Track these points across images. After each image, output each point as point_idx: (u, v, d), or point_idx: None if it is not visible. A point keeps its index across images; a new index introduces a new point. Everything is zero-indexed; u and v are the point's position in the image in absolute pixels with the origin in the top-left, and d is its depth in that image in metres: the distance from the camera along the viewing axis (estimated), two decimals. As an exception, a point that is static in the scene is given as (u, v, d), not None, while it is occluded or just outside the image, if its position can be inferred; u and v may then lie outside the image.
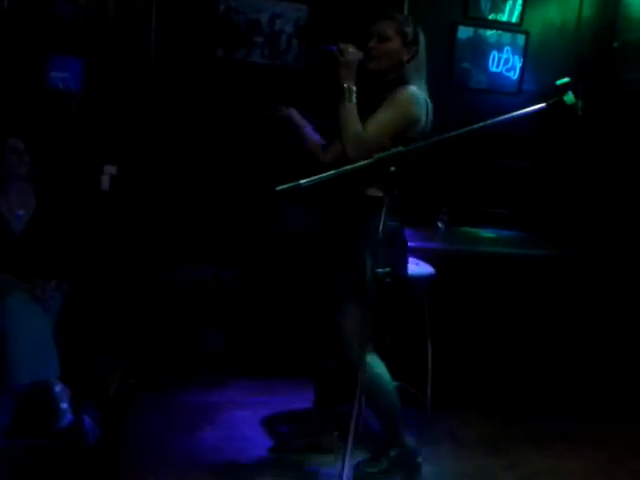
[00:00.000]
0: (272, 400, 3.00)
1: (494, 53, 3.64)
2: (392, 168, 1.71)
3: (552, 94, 2.01)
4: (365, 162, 1.71)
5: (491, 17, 3.63)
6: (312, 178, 1.64)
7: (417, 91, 2.19)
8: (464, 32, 3.54)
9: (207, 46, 3.16)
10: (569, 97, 1.81)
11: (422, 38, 2.29)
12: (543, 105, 1.85)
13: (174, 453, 2.47)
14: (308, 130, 2.53)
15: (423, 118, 2.20)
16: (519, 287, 3.14)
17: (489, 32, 3.62)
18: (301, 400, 2.99)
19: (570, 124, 3.68)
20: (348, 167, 1.71)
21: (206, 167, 3.23)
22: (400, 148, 1.70)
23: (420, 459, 2.49)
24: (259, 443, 2.61)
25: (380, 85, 2.25)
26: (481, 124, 2.03)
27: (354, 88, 2.18)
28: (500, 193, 3.72)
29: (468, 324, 2.98)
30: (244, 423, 2.77)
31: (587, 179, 3.81)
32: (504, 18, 3.66)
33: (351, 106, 2.16)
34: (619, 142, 3.67)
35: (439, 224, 3.30)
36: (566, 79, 1.90)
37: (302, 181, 1.63)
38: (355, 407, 1.86)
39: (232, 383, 3.12)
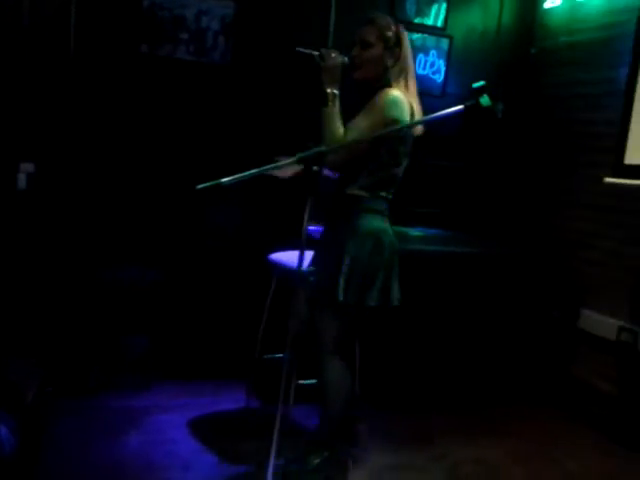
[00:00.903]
0: (199, 402, 2.96)
1: (420, 56, 3.72)
2: (315, 167, 1.72)
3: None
4: (289, 161, 1.70)
5: (417, 21, 3.71)
6: (233, 177, 1.62)
7: (397, 94, 2.18)
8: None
9: (130, 41, 3.07)
10: (485, 99, 1.86)
11: (405, 39, 2.29)
12: (460, 107, 1.90)
13: (97, 461, 2.39)
14: None
15: (405, 119, 2.18)
16: (445, 284, 3.22)
17: (415, 35, 3.69)
18: (228, 401, 2.98)
19: (494, 126, 3.83)
20: (268, 166, 1.70)
21: (129, 164, 3.14)
22: (322, 147, 1.71)
23: (350, 461, 2.51)
24: (187, 446, 2.56)
25: (369, 93, 2.24)
26: (403, 125, 2.10)
27: (337, 93, 2.19)
28: (427, 193, 3.81)
29: (394, 323, 3.02)
30: (171, 427, 2.72)
31: (510, 178, 3.96)
32: (430, 22, 3.75)
33: (333, 111, 2.17)
34: (538, 143, 3.84)
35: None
36: (482, 82, 1.95)
37: (223, 180, 1.61)
38: (280, 407, 1.86)
39: (158, 387, 3.06)
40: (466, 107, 1.88)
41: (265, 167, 1.71)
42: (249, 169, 1.72)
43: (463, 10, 3.81)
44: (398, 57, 2.25)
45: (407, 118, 2.19)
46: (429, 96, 3.73)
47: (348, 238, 2.21)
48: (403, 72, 2.26)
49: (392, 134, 2.15)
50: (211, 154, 3.24)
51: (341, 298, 2.16)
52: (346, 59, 2.22)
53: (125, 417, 2.74)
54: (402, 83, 2.25)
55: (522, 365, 3.53)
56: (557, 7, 3.78)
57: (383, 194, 2.28)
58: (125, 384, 2.99)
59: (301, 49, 2.19)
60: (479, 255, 3.37)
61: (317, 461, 2.41)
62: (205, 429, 2.72)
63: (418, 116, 2.26)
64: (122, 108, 3.11)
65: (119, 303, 3.02)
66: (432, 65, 3.77)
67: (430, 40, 3.73)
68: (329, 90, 2.18)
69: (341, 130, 2.16)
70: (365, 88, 2.27)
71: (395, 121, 2.15)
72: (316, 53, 2.19)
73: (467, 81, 3.72)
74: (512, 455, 2.80)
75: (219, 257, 3.32)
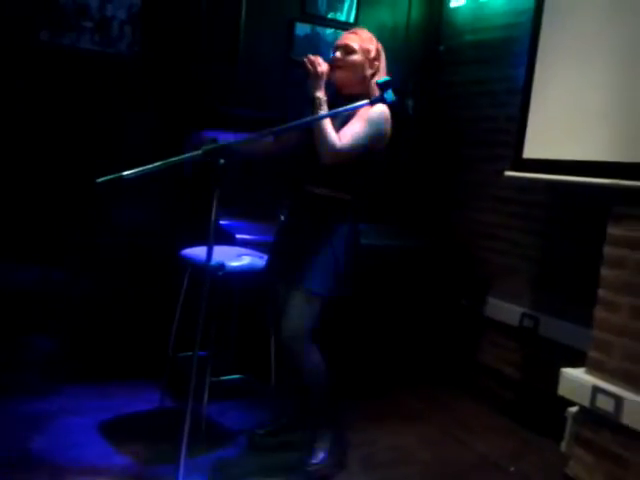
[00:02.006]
0: (111, 404, 2.86)
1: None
2: (221, 161, 1.71)
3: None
4: (194, 153, 1.68)
5: (330, 16, 3.75)
6: (135, 170, 1.58)
7: (385, 108, 2.28)
8: (302, 29, 3.61)
9: (29, 28, 2.92)
10: (389, 95, 1.92)
11: (383, 57, 2.42)
12: (366, 102, 1.95)
13: (-5, 470, 2.27)
14: None
15: (389, 134, 2.33)
16: (358, 275, 3.28)
17: (328, 31, 3.72)
18: (142, 402, 2.91)
19: (405, 122, 3.92)
20: (173, 159, 1.67)
21: (28, 158, 2.99)
22: (230, 140, 1.70)
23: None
24: (96, 450, 2.48)
25: (345, 97, 2.32)
26: (307, 119, 2.12)
27: (324, 98, 2.26)
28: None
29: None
30: (79, 430, 2.61)
31: (421, 173, 4.07)
32: (342, 18, 3.79)
33: (323, 114, 2.22)
34: (446, 139, 3.98)
35: (282, 217, 3.35)
36: (387, 78, 2.02)
37: (125, 173, 1.57)
38: (189, 403, 1.83)
39: (67, 389, 2.93)
40: (371, 102, 1.92)
41: (169, 160, 1.68)
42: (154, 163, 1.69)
43: (374, 6, 3.88)
44: (377, 70, 2.37)
45: (389, 132, 2.33)
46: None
47: (332, 237, 2.34)
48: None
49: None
50: (116, 148, 3.13)
51: (326, 293, 2.33)
52: (327, 66, 2.31)
53: (29, 422, 2.60)
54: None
55: (433, 352, 3.66)
56: (462, 6, 3.92)
57: (363, 197, 2.44)
58: (29, 387, 2.85)
59: (294, 57, 2.30)
60: (392, 247, 3.46)
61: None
62: (116, 431, 2.64)
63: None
64: (20, 98, 2.95)
65: (20, 304, 2.88)
66: (345, 60, 3.81)
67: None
68: (318, 95, 2.26)
69: (334, 135, 2.22)
70: (341, 91, 2.37)
71: (384, 135, 2.31)
72: (305, 60, 2.28)
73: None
74: (424, 440, 2.89)
75: (129, 254, 3.22)
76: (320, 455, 2.47)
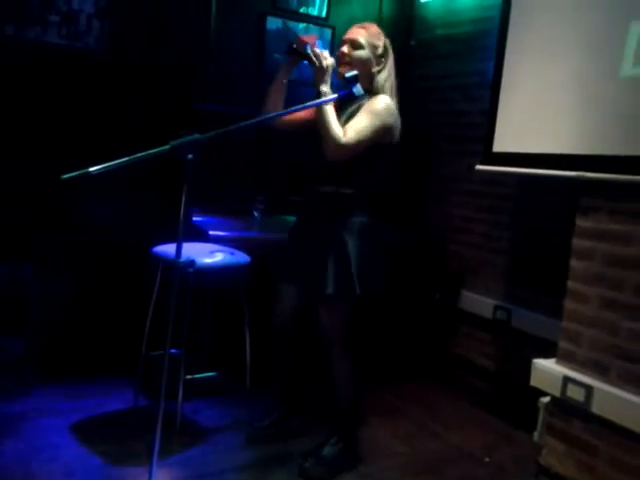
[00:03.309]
0: (84, 405, 2.83)
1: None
2: (189, 156, 1.69)
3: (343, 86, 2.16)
4: (160, 149, 1.66)
5: (302, 10, 3.73)
6: (102, 166, 1.56)
7: (391, 101, 2.30)
8: (273, 23, 3.59)
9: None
10: (357, 88, 1.92)
11: (391, 53, 2.41)
12: (334, 96, 1.95)
13: (-34, 475, 2.23)
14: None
15: (397, 127, 2.33)
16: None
17: (300, 25, 3.71)
18: (116, 402, 2.88)
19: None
20: (140, 154, 1.64)
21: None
22: (196, 135, 1.68)
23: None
24: (70, 451, 2.44)
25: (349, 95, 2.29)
26: (272, 115, 2.12)
27: (330, 92, 2.24)
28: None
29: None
30: (52, 432, 2.58)
31: (398, 168, 4.06)
32: (314, 12, 3.78)
33: (329, 109, 2.21)
34: (420, 133, 3.98)
35: (255, 213, 3.33)
36: (355, 72, 2.02)
37: (91, 169, 1.54)
38: (161, 401, 1.81)
39: (39, 391, 2.89)
40: (339, 96, 1.92)
41: (137, 155, 1.65)
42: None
43: (345, 1, 3.87)
44: (384, 67, 2.36)
45: (398, 126, 2.33)
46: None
47: (346, 235, 2.33)
48: (389, 81, 2.37)
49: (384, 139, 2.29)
50: (84, 144, 3.07)
51: (358, 291, 2.29)
52: (334, 60, 2.30)
53: (0, 424, 2.57)
54: (388, 93, 2.35)
55: (407, 345, 3.68)
56: (433, 0, 3.93)
57: (372, 192, 2.42)
58: (0, 389, 2.80)
59: (297, 48, 2.28)
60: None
61: (332, 453, 2.47)
62: (90, 432, 2.61)
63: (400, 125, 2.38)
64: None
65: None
66: (317, 55, 3.79)
67: (314, 30, 3.76)
68: (324, 89, 2.24)
69: (339, 128, 2.22)
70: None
71: (390, 129, 2.29)
72: (311, 53, 2.27)
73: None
74: (398, 433, 2.91)
75: (101, 251, 3.17)
76: (325, 454, 2.47)
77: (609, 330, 2.30)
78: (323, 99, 2.07)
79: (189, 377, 2.61)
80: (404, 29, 4.07)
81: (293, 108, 2.16)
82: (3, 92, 2.92)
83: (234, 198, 3.34)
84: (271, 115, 2.11)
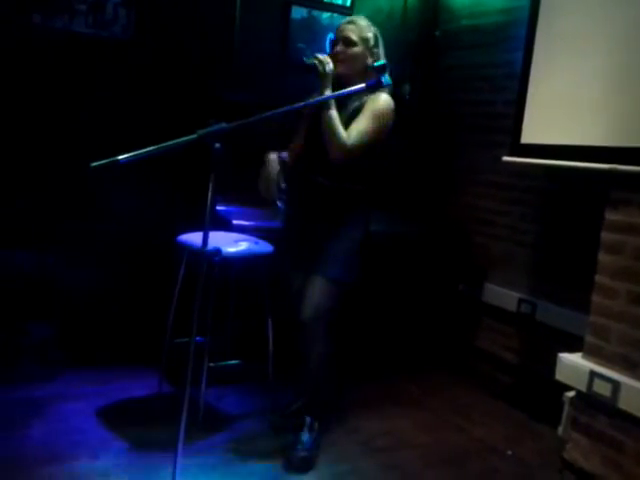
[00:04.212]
0: (109, 390, 2.87)
1: (331, 35, 3.72)
2: (217, 145, 1.69)
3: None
4: (188, 138, 1.66)
5: (326, 0, 3.71)
6: (130, 154, 1.56)
7: (390, 99, 2.33)
8: (298, 12, 3.57)
9: (22, 10, 2.88)
10: (386, 78, 1.91)
11: (381, 42, 2.43)
12: (362, 86, 1.95)
13: (-6, 456, 2.26)
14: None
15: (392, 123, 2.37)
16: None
17: (325, 14, 3.69)
18: (140, 388, 2.91)
19: (401, 106, 3.89)
20: (168, 143, 1.65)
21: (23, 143, 2.96)
22: (223, 124, 1.68)
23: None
24: (95, 435, 2.48)
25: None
26: (302, 104, 2.11)
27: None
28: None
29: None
30: (78, 416, 2.62)
31: (418, 158, 4.04)
32: (339, 1, 3.75)
33: (333, 114, 2.27)
34: (444, 124, 3.95)
35: (278, 203, 3.33)
36: (382, 61, 2.01)
37: (120, 157, 1.55)
38: (186, 388, 1.83)
39: (65, 375, 2.94)
40: (367, 85, 1.91)
41: (164, 144, 1.66)
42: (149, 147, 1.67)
43: (370, -10, 3.84)
44: (378, 58, 2.37)
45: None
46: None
47: (348, 226, 2.43)
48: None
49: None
50: (110, 132, 3.09)
51: (346, 279, 2.40)
52: (329, 59, 2.32)
53: (27, 408, 2.61)
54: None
55: (430, 337, 3.66)
56: (460, -9, 3.88)
57: (375, 185, 2.49)
58: (26, 373, 2.84)
59: (306, 59, 2.31)
60: (388, 233, 3.44)
61: (312, 437, 2.49)
62: (114, 417, 2.65)
63: None
64: (13, 82, 2.91)
65: (15, 290, 2.85)
66: (342, 45, 3.77)
67: (338, 19, 3.72)
68: (327, 93, 2.27)
69: (343, 132, 2.27)
70: (345, 83, 2.33)
71: (392, 123, 2.35)
72: (316, 62, 2.29)
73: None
74: (421, 425, 2.91)
75: (126, 240, 3.20)
76: (305, 440, 2.47)
77: (639, 325, 2.27)
78: (351, 89, 2.06)
79: (212, 365, 2.63)
80: (429, 19, 4.02)
81: (314, 100, 2.16)
82: (32, 81, 2.95)
83: (257, 188, 3.34)
84: (295, 106, 2.07)
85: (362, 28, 2.39)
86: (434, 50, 4.01)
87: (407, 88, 3.88)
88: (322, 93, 2.28)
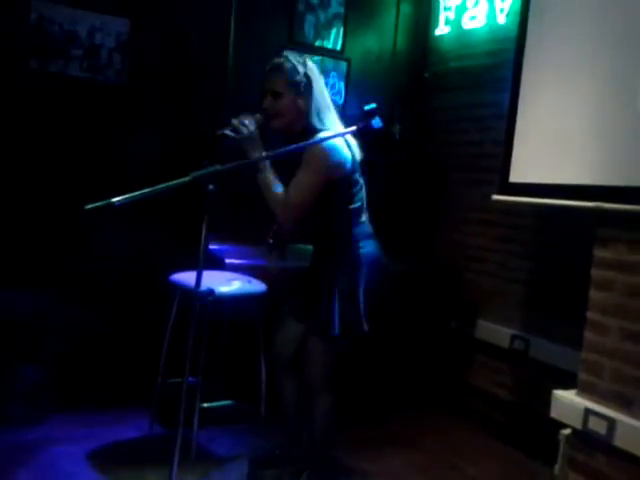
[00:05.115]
0: (99, 433, 2.82)
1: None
2: (210, 186, 1.71)
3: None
4: (181, 180, 1.69)
5: (317, 43, 3.80)
6: (125, 196, 1.58)
7: (326, 137, 2.14)
8: (290, 56, 3.65)
9: (18, 56, 2.94)
10: (376, 121, 1.93)
11: (316, 76, 2.24)
12: (353, 128, 1.98)
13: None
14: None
15: (347, 157, 2.20)
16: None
17: (315, 58, 3.77)
18: (131, 430, 2.87)
19: (391, 147, 3.96)
20: (162, 185, 1.67)
21: (18, 184, 2.98)
22: (217, 166, 1.71)
23: None
24: (86, 478, 2.44)
25: (293, 138, 2.21)
26: (301, 144, 2.12)
27: (264, 154, 2.14)
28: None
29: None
30: (67, 460, 2.57)
31: (408, 197, 4.09)
32: (329, 45, 3.85)
33: (267, 176, 2.14)
34: (434, 163, 4.02)
35: (270, 241, 3.35)
36: (373, 105, 2.02)
37: (114, 199, 1.57)
38: (179, 429, 1.81)
39: (54, 419, 2.89)
40: (358, 128, 1.94)
41: (158, 186, 1.68)
42: (143, 189, 1.69)
43: (360, 34, 3.94)
44: (311, 98, 2.21)
45: (347, 154, 2.20)
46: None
47: (349, 271, 2.23)
48: (322, 111, 2.24)
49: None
50: (104, 175, 3.13)
51: (336, 334, 2.19)
52: (258, 116, 2.20)
53: (13, 454, 2.56)
54: (324, 121, 2.24)
55: (423, 374, 3.64)
56: (447, 34, 3.99)
57: (363, 219, 2.34)
58: (15, 417, 2.80)
59: (218, 132, 2.14)
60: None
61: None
62: (105, 460, 2.60)
63: (353, 144, 2.27)
64: (9, 125, 2.95)
65: (8, 332, 2.83)
66: (333, 87, 3.86)
67: (329, 62, 3.82)
68: (257, 156, 2.14)
69: (280, 193, 2.15)
70: (286, 134, 2.26)
71: (340, 164, 2.17)
72: (227, 130, 2.14)
73: (365, 102, 3.83)
74: (415, 465, 2.87)
75: (118, 279, 3.20)
76: None
77: (632, 362, 2.27)
78: (344, 131, 2.09)
79: (205, 405, 2.60)
80: (418, 61, 4.13)
81: (282, 150, 2.05)
82: (27, 124, 2.99)
83: (250, 226, 3.36)
84: (283, 150, 2.08)
85: (289, 73, 2.20)
86: (423, 91, 4.10)
87: (397, 128, 3.95)
88: (251, 157, 2.14)
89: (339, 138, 2.16)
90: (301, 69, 2.21)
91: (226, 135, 2.13)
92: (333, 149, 2.16)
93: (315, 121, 2.22)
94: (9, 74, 2.94)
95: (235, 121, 2.16)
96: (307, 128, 2.22)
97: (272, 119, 2.22)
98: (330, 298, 2.22)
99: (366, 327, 2.26)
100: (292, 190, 2.15)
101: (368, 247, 2.31)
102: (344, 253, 2.28)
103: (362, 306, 2.25)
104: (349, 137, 2.26)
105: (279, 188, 2.16)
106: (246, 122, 2.15)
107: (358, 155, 2.31)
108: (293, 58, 2.24)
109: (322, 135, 2.16)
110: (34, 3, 2.93)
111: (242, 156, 2.17)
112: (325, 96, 2.29)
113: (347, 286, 2.23)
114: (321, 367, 2.30)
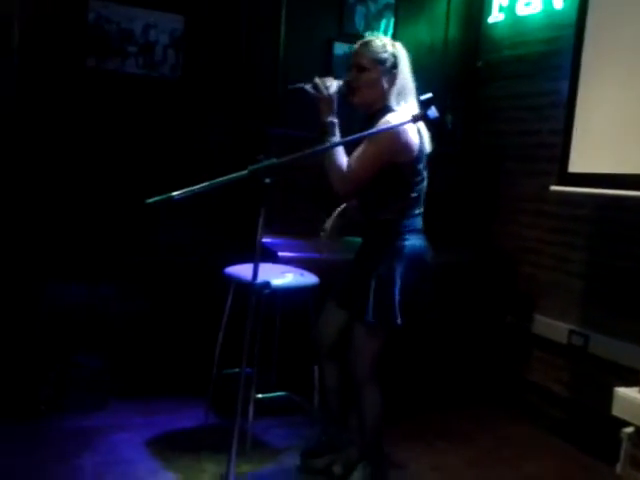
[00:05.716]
0: (157, 421, 2.90)
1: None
2: (267, 180, 1.72)
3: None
4: (239, 174, 1.70)
5: (368, 34, 3.74)
6: (184, 190, 1.61)
7: (394, 117, 2.14)
8: (340, 48, 3.64)
9: (76, 55, 3.03)
10: (432, 111, 1.90)
11: (403, 58, 2.26)
12: (410, 119, 1.95)
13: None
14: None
15: (415, 144, 2.18)
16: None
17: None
18: (187, 419, 2.93)
19: (444, 136, 3.90)
20: (220, 179, 1.69)
21: (76, 178, 3.08)
22: (273, 160, 1.72)
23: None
24: (143, 466, 2.51)
25: (370, 117, 2.22)
26: (356, 135, 2.10)
27: (336, 121, 2.17)
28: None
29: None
30: (126, 447, 2.65)
31: (462, 188, 3.99)
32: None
33: (332, 143, 2.16)
34: (487, 154, 3.93)
35: (322, 234, 3.35)
36: (429, 95, 1.99)
37: (174, 193, 1.60)
38: (236, 420, 1.83)
39: (114, 406, 2.98)
40: (414, 118, 1.92)
41: (217, 180, 1.70)
42: (199, 183, 1.72)
43: (411, 24, 3.89)
44: (395, 78, 2.23)
45: (416, 142, 2.18)
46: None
47: (390, 260, 2.21)
48: (402, 93, 2.25)
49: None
50: (161, 169, 3.20)
51: (398, 322, 2.19)
52: (341, 83, 2.20)
53: (77, 439, 2.66)
54: (402, 104, 2.23)
55: (478, 370, 3.59)
56: (501, 22, 3.90)
57: (417, 212, 2.31)
58: (78, 405, 2.90)
59: (290, 86, 2.20)
60: (435, 263, 3.42)
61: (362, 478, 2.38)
62: (163, 448, 2.67)
63: (425, 135, 2.25)
64: (69, 123, 3.05)
65: (70, 321, 2.94)
66: (383, 78, 3.81)
67: (380, 53, 3.78)
68: (328, 120, 2.16)
69: (343, 161, 2.16)
70: (364, 111, 2.27)
71: (406, 149, 2.15)
72: (308, 85, 2.18)
73: (418, 93, 3.79)
74: (469, 460, 2.84)
75: (174, 271, 3.27)
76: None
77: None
78: (400, 122, 2.05)
79: (259, 396, 2.63)
80: (471, 50, 4.04)
81: (350, 137, 2.07)
82: (87, 121, 3.08)
83: (303, 219, 3.37)
84: (342, 140, 2.09)
85: (376, 49, 2.20)
86: (476, 80, 4.02)
87: (449, 118, 3.89)
88: (322, 119, 2.17)
89: (411, 125, 2.12)
90: (390, 48, 2.23)
91: (304, 89, 2.17)
92: (403, 132, 2.14)
93: (393, 102, 2.23)
94: (68, 74, 3.03)
95: (318, 80, 2.19)
96: (384, 108, 2.21)
97: (353, 93, 2.23)
98: (367, 284, 2.21)
99: (399, 321, 2.22)
100: (353, 163, 2.15)
101: (414, 241, 2.27)
102: (389, 242, 2.25)
103: (397, 298, 2.21)
104: (422, 127, 2.24)
105: (341, 158, 2.16)
106: (328, 84, 2.18)
107: (428, 147, 2.29)
108: (384, 37, 2.28)
109: (389, 117, 2.15)
110: (92, 3, 3.02)
111: (309, 115, 2.21)
112: (409, 80, 2.29)
113: (385, 274, 2.21)
114: (364, 356, 2.30)
